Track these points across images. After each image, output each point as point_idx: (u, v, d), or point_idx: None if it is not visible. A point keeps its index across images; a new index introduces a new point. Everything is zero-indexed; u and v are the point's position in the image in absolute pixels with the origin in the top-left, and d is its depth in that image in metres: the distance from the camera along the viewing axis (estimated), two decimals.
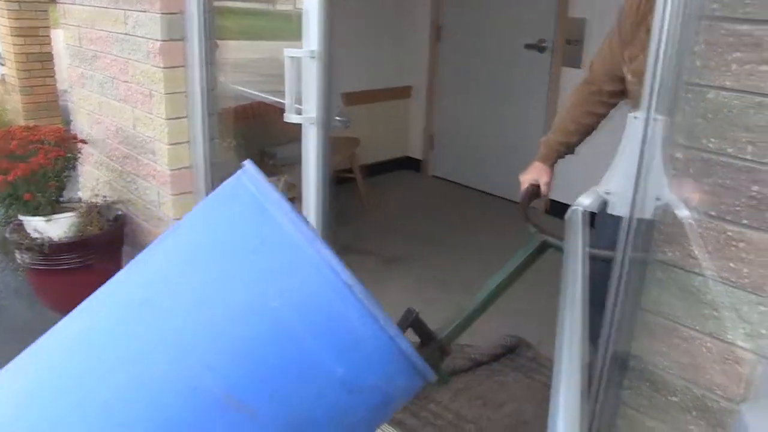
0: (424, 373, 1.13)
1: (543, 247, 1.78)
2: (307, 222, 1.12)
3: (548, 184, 2.05)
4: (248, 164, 1.24)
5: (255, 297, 1.04)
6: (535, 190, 2.04)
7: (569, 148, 2.07)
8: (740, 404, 0.48)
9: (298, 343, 1.02)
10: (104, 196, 3.17)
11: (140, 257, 1.27)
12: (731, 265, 1.31)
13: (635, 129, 1.31)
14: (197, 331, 1.04)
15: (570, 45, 4.06)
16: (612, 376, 1.55)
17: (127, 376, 1.02)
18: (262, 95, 2.98)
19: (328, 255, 1.06)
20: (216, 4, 2.60)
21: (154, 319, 1.08)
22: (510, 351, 2.75)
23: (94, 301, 1.23)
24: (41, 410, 1.03)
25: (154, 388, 1.01)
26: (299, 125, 2.01)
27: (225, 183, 1.28)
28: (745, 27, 1.20)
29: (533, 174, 2.06)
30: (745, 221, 1.27)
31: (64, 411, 1.02)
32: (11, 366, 1.16)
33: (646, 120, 1.29)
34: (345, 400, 1.06)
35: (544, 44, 4.22)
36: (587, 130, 2.03)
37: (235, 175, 1.26)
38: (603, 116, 2.01)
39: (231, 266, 1.08)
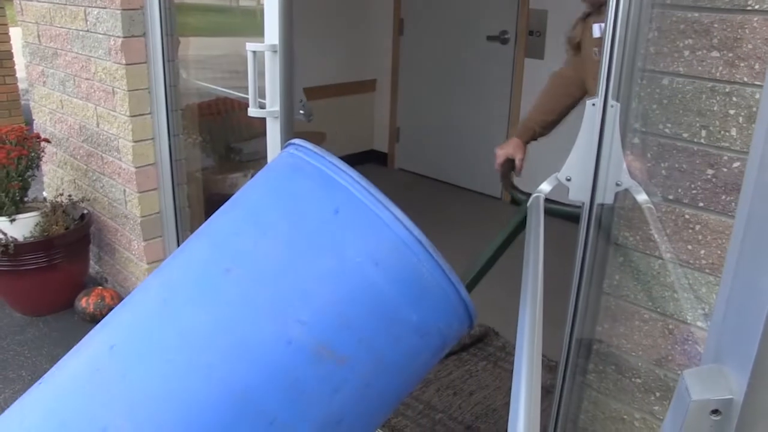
0: (473, 319, 1.25)
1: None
2: (374, 186, 1.25)
3: (522, 161, 2.11)
4: (300, 141, 1.36)
5: (338, 258, 1.16)
6: (510, 164, 2.11)
7: (545, 128, 2.13)
8: (684, 371, 0.50)
9: (380, 295, 1.14)
10: (69, 195, 3.13)
11: (208, 234, 1.38)
12: (689, 247, 1.34)
13: (593, 115, 1.33)
14: (288, 293, 1.15)
15: (532, 36, 4.09)
16: (577, 360, 1.58)
17: (228, 340, 1.13)
18: (226, 91, 2.97)
19: (400, 215, 1.21)
20: (177, 0, 2.57)
21: (246, 286, 1.18)
22: (479, 340, 2.78)
23: (177, 274, 1.29)
24: (150, 375, 1.14)
25: (253, 347, 1.12)
26: (264, 120, 2.00)
27: (279, 161, 1.41)
28: (694, 14, 1.22)
29: (509, 149, 2.11)
30: (701, 204, 1.30)
31: (174, 377, 1.12)
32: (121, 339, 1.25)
33: (603, 106, 1.31)
34: (417, 343, 1.18)
35: (506, 36, 4.25)
36: (564, 111, 2.10)
37: (287, 153, 1.39)
38: (580, 99, 2.08)
39: (312, 234, 1.20)
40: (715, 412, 0.47)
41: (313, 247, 1.19)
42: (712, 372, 0.48)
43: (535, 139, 2.17)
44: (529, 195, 1.77)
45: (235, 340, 1.13)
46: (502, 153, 2.12)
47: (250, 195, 1.40)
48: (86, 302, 2.94)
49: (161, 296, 1.25)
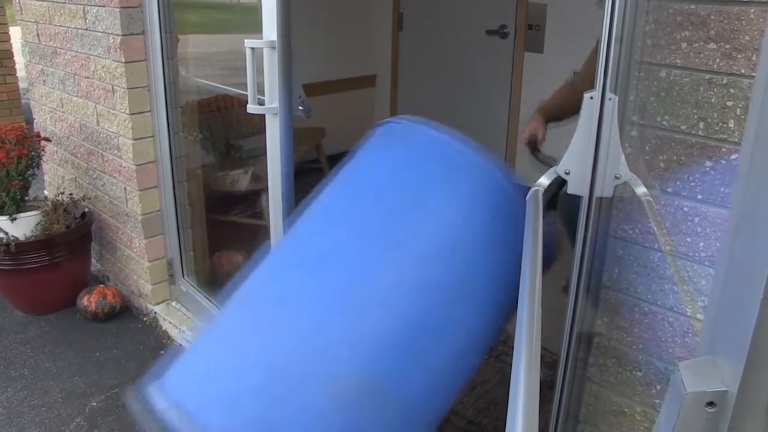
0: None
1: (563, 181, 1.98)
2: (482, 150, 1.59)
3: (543, 135, 2.27)
4: (405, 117, 1.72)
5: (463, 209, 1.48)
6: (534, 140, 2.30)
7: (560, 117, 2.28)
8: (679, 363, 0.50)
9: (493, 227, 1.45)
10: (70, 194, 3.13)
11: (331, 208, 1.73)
12: (688, 239, 1.33)
13: (591, 108, 1.33)
14: (430, 243, 1.44)
15: (532, 30, 4.08)
16: (577, 354, 1.58)
17: (383, 285, 1.41)
18: (226, 88, 2.96)
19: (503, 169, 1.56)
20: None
21: (391, 243, 1.47)
22: None
23: (323, 244, 1.59)
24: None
25: (400, 292, 1.40)
26: (264, 117, 2.00)
27: (384, 135, 1.79)
28: (691, 6, 1.22)
29: (532, 126, 2.30)
30: (699, 196, 1.30)
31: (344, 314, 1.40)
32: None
33: (601, 99, 1.31)
34: (514, 263, 1.38)
35: (505, 30, 4.24)
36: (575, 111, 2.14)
37: (389, 128, 1.78)
38: None
39: (439, 193, 1.53)
40: (710, 404, 0.47)
41: (442, 202, 1.51)
42: (707, 364, 0.48)
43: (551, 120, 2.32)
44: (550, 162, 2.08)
45: (385, 287, 1.42)
46: (526, 130, 2.32)
47: (370, 170, 1.77)
48: (88, 300, 2.95)
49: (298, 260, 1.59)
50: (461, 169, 1.60)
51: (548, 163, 2.17)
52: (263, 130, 2.05)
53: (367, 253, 1.50)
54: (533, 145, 2.31)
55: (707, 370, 0.48)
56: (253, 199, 3.36)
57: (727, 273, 0.49)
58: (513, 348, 2.76)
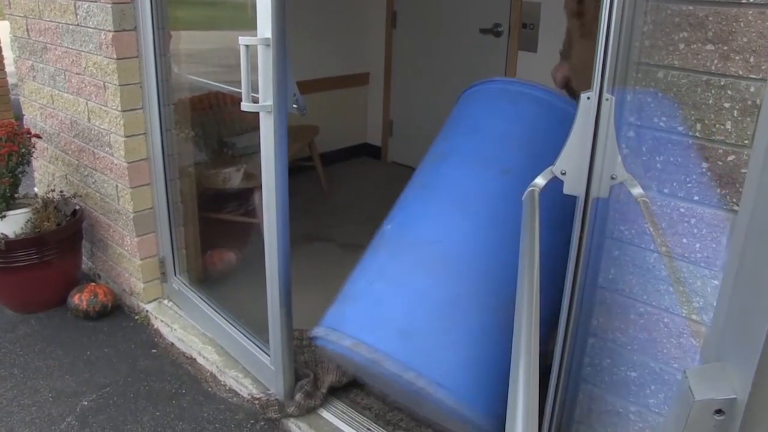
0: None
1: None
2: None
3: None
4: (506, 79, 2.12)
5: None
6: (569, 82, 2.51)
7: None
8: (686, 370, 0.50)
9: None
10: (61, 191, 3.10)
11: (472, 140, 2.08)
12: (684, 240, 1.34)
13: (588, 109, 1.33)
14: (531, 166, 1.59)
15: (525, 29, 4.08)
16: (572, 354, 1.58)
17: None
18: (219, 85, 2.95)
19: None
20: None
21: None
22: None
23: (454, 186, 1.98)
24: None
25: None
26: (257, 114, 1.99)
27: (491, 93, 2.17)
28: (689, 7, 1.22)
29: (563, 71, 2.52)
30: (696, 198, 1.30)
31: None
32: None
33: (598, 100, 1.31)
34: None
35: (499, 29, 4.23)
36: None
37: (500, 89, 2.15)
38: None
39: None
40: (719, 412, 0.46)
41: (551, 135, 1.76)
42: (715, 371, 0.47)
43: None
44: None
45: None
46: (558, 77, 2.53)
47: (487, 122, 2.09)
48: (79, 299, 2.92)
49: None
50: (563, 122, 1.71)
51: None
52: (256, 128, 2.04)
53: (506, 197, 1.83)
54: (568, 87, 2.52)
55: (715, 377, 0.47)
56: (246, 196, 3.34)
57: (736, 278, 0.49)
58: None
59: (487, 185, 1.94)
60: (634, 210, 1.39)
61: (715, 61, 1.22)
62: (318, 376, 2.38)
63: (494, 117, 2.09)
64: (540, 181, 1.39)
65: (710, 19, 1.20)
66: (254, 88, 1.96)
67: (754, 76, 1.18)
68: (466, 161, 2.02)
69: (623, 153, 1.35)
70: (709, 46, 1.22)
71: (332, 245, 3.72)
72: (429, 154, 2.20)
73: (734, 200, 1.24)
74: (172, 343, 2.76)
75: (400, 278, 1.89)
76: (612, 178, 1.36)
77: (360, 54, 5.12)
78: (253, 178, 3.24)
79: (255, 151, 2.11)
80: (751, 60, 1.17)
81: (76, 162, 3.12)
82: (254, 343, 2.46)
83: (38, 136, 3.14)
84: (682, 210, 1.33)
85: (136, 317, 2.97)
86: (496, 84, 2.20)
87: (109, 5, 2.52)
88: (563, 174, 1.39)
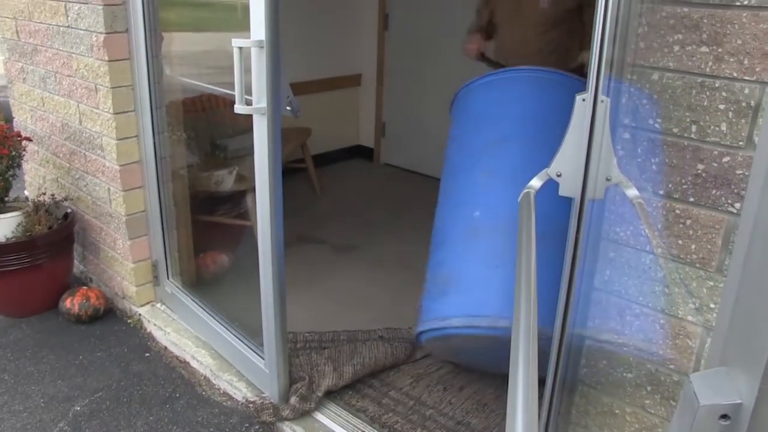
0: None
1: None
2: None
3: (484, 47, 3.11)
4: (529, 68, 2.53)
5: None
6: (482, 53, 3.12)
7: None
8: (690, 374, 0.50)
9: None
10: (52, 194, 3.08)
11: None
12: (679, 242, 1.34)
13: (583, 111, 1.33)
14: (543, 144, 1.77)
15: None
16: (568, 355, 1.58)
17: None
18: (211, 87, 2.93)
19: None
20: None
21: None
22: None
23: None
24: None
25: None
26: (250, 116, 1.98)
27: (524, 81, 2.46)
28: (684, 9, 1.22)
29: (476, 42, 3.11)
30: (691, 199, 1.30)
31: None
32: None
33: (593, 101, 1.31)
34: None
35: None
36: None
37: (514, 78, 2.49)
38: None
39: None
40: (724, 417, 0.46)
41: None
42: (720, 375, 0.47)
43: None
44: (496, 64, 3.12)
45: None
46: (472, 48, 3.12)
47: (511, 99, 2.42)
48: (71, 303, 2.90)
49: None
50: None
51: (498, 63, 3.07)
52: (248, 130, 2.03)
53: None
54: (482, 56, 3.10)
55: (721, 381, 0.47)
56: (238, 199, 3.33)
57: (740, 281, 0.48)
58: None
59: None
60: (629, 211, 1.40)
61: (710, 63, 1.22)
62: (313, 380, 2.37)
63: (543, 103, 2.36)
64: (536, 183, 1.39)
65: (704, 21, 1.21)
66: (247, 90, 1.95)
67: (748, 78, 1.18)
68: (530, 146, 2.24)
69: (618, 155, 1.36)
70: (704, 48, 1.22)
71: (325, 247, 3.71)
72: (475, 141, 2.43)
73: (729, 201, 1.24)
74: (166, 347, 2.75)
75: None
76: (607, 180, 1.37)
77: (352, 56, 5.12)
78: (246, 180, 3.23)
79: (247, 153, 2.10)
80: (745, 62, 1.18)
81: (68, 165, 3.10)
82: (248, 346, 2.45)
83: (29, 139, 3.12)
84: (677, 211, 1.33)
85: (129, 321, 2.95)
86: (524, 72, 2.50)
87: (101, 7, 2.50)
88: (559, 176, 1.39)
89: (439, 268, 2.29)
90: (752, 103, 1.18)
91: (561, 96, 2.27)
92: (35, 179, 3.47)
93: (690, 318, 1.36)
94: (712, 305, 1.31)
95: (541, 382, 1.64)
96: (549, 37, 3.18)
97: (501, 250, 2.14)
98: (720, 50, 1.20)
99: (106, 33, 2.53)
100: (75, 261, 3.25)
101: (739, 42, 1.17)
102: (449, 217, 2.38)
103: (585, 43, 3.18)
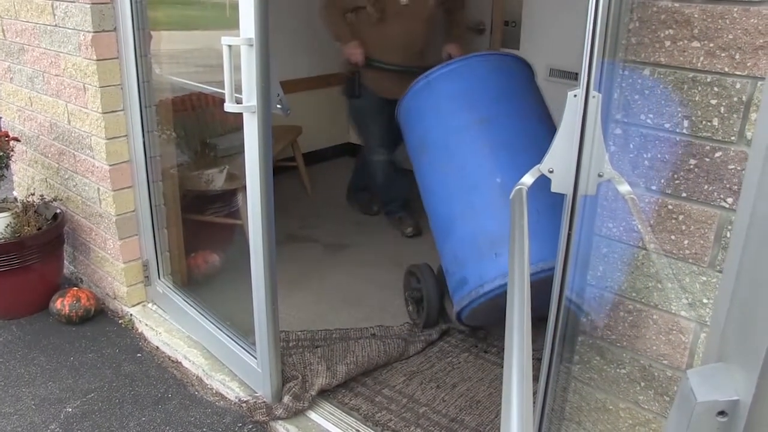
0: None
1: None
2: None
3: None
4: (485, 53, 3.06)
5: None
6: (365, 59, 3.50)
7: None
8: (686, 370, 0.49)
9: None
10: (41, 195, 3.06)
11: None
12: (672, 237, 1.34)
13: (574, 106, 1.33)
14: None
15: (508, 26, 4.09)
16: (561, 352, 1.58)
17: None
18: (201, 86, 2.92)
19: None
20: None
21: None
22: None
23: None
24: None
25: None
26: (240, 115, 1.97)
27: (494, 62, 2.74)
28: (675, 4, 1.22)
29: (359, 50, 3.49)
30: (684, 194, 1.30)
31: None
32: None
33: (585, 97, 1.30)
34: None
35: (482, 27, 4.23)
36: None
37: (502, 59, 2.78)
38: None
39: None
40: (722, 413, 0.46)
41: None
42: (718, 371, 0.47)
43: None
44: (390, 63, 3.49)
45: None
46: (359, 53, 3.47)
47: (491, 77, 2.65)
48: (61, 304, 2.88)
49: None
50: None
51: (390, 63, 3.49)
52: (238, 128, 2.02)
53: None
54: (367, 60, 3.46)
55: (718, 378, 0.47)
56: (229, 198, 3.32)
57: (738, 276, 0.48)
58: (493, 345, 2.78)
59: (546, 131, 2.43)
60: (621, 207, 1.40)
61: (701, 58, 1.22)
62: (306, 379, 2.36)
63: (511, 82, 2.65)
64: (527, 179, 1.39)
65: (696, 16, 1.20)
66: (237, 88, 1.93)
67: (740, 73, 1.18)
68: (520, 119, 2.51)
69: (610, 150, 1.35)
70: (695, 43, 1.22)
71: (316, 245, 3.70)
72: (471, 122, 2.52)
73: (722, 196, 1.24)
74: (157, 347, 2.73)
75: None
76: (599, 176, 1.36)
77: (341, 53, 5.09)
78: (237, 179, 3.21)
79: (238, 151, 2.09)
80: (737, 57, 1.18)
81: (57, 165, 3.07)
82: (240, 346, 2.44)
83: (17, 140, 3.10)
84: (669, 207, 1.33)
85: (120, 321, 2.94)
86: (482, 57, 2.78)
87: (88, 5, 2.48)
88: (551, 172, 1.39)
89: (471, 239, 2.39)
90: (744, 98, 1.18)
91: (522, 76, 2.68)
92: (24, 180, 3.45)
93: (683, 313, 1.36)
94: (705, 300, 1.31)
95: (535, 379, 1.64)
96: (430, 30, 3.51)
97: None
98: (711, 45, 1.20)
99: (94, 32, 2.51)
100: (65, 262, 3.23)
101: (731, 37, 1.17)
102: (460, 197, 2.48)
103: (451, 36, 3.61)
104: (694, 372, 0.50)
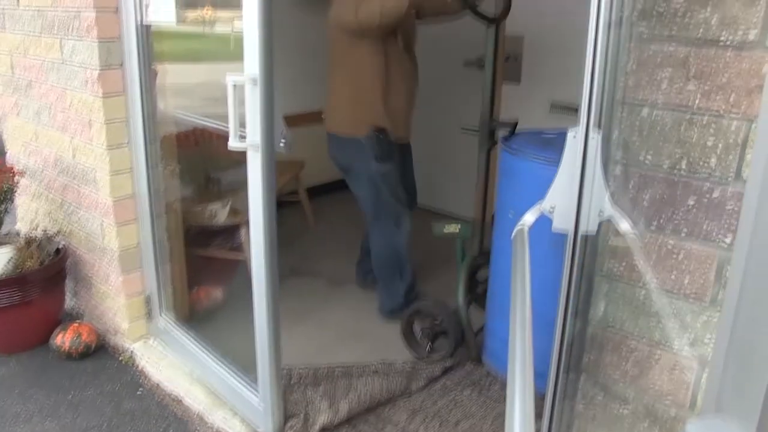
0: None
1: None
2: None
3: None
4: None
5: None
6: None
7: None
8: (687, 423, 0.49)
9: None
10: (44, 229, 3.07)
11: None
12: (673, 276, 1.34)
13: (575, 146, 1.34)
14: None
15: (509, 61, 4.14)
16: (565, 390, 1.57)
17: None
18: (204, 121, 2.95)
19: None
20: (153, 28, 2.55)
21: None
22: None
23: None
24: None
25: None
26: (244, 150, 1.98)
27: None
28: (671, 47, 1.24)
29: None
30: (683, 233, 1.31)
31: None
32: None
33: (585, 137, 1.32)
34: None
35: (483, 61, 4.28)
36: None
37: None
38: None
39: None
40: None
41: None
42: (716, 426, 0.47)
43: None
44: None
45: None
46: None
47: None
48: (62, 339, 2.87)
49: None
50: None
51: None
52: (241, 163, 2.04)
53: None
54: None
55: (716, 430, 0.47)
56: (232, 232, 3.33)
57: (733, 323, 0.49)
58: (495, 381, 2.76)
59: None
60: (622, 245, 1.40)
61: (698, 99, 1.24)
62: (308, 416, 2.34)
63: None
64: (529, 218, 1.40)
65: (691, 58, 1.23)
66: (241, 124, 1.96)
67: (735, 114, 1.20)
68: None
69: (611, 189, 1.37)
70: (691, 85, 1.24)
71: (319, 280, 3.70)
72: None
73: (721, 235, 1.25)
74: (158, 384, 2.72)
75: None
76: (600, 214, 1.38)
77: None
78: (240, 213, 3.23)
79: (241, 186, 2.10)
80: (732, 98, 1.20)
81: (60, 199, 3.09)
82: (242, 382, 2.42)
83: (21, 174, 3.12)
84: (669, 245, 1.33)
85: (121, 357, 2.92)
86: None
87: (96, 43, 2.52)
88: (552, 210, 1.40)
89: None
90: (739, 139, 1.20)
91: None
92: (27, 213, 3.46)
93: (685, 351, 1.35)
94: (706, 339, 1.31)
95: (538, 416, 1.63)
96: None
97: None
98: (707, 87, 1.22)
99: (100, 69, 2.55)
100: (67, 296, 3.22)
101: (725, 79, 1.20)
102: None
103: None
104: (693, 425, 0.50)
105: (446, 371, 2.74)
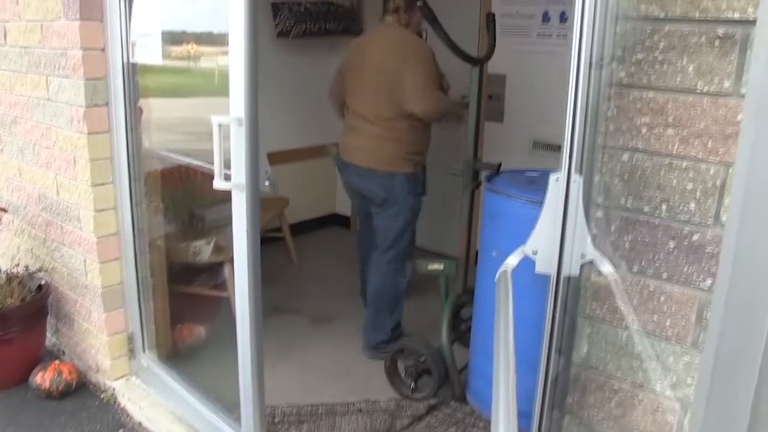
0: None
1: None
2: None
3: None
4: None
5: None
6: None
7: None
8: None
9: None
10: (26, 266, 3.04)
11: None
12: (655, 317, 1.36)
13: (557, 190, 1.36)
14: None
15: (492, 100, 4.20)
16: (550, 429, 1.57)
17: None
18: (189, 160, 2.95)
19: None
20: (138, 64, 2.57)
21: None
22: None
23: None
24: None
25: None
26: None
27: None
28: (650, 94, 1.28)
29: None
30: (664, 275, 1.33)
31: None
32: None
33: (567, 181, 1.34)
34: None
35: (466, 99, 4.34)
36: None
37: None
38: None
39: None
40: None
41: None
42: None
43: None
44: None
45: None
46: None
47: None
48: (42, 378, 2.82)
49: None
50: None
51: None
52: (225, 200, 2.05)
53: None
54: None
55: None
56: (216, 270, 3.31)
57: (715, 363, 0.50)
58: (480, 419, 2.76)
59: None
60: (605, 288, 1.42)
61: (676, 145, 1.27)
62: None
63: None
64: (512, 260, 1.41)
65: (669, 105, 1.26)
66: (226, 163, 1.97)
67: (713, 159, 1.23)
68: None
69: (592, 232, 1.38)
70: (670, 131, 1.27)
71: (302, 317, 3.68)
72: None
73: (701, 278, 1.27)
74: (140, 423, 2.68)
75: None
76: (582, 257, 1.39)
77: (328, 124, 5.18)
78: (224, 250, 3.22)
79: (225, 223, 2.10)
80: (709, 144, 1.23)
81: (43, 236, 3.07)
82: (226, 421, 2.39)
83: (4, 210, 3.10)
84: (651, 287, 1.35)
85: (102, 396, 2.88)
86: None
87: (82, 81, 2.53)
88: (535, 253, 1.41)
89: None
90: (718, 183, 1.23)
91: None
92: (9, 249, 3.43)
93: (668, 393, 1.36)
94: (689, 381, 1.32)
95: None
96: None
97: None
98: (685, 133, 1.25)
99: (86, 107, 2.55)
100: (48, 333, 3.18)
101: (702, 125, 1.23)
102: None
103: None
104: None
105: (430, 410, 2.73)
